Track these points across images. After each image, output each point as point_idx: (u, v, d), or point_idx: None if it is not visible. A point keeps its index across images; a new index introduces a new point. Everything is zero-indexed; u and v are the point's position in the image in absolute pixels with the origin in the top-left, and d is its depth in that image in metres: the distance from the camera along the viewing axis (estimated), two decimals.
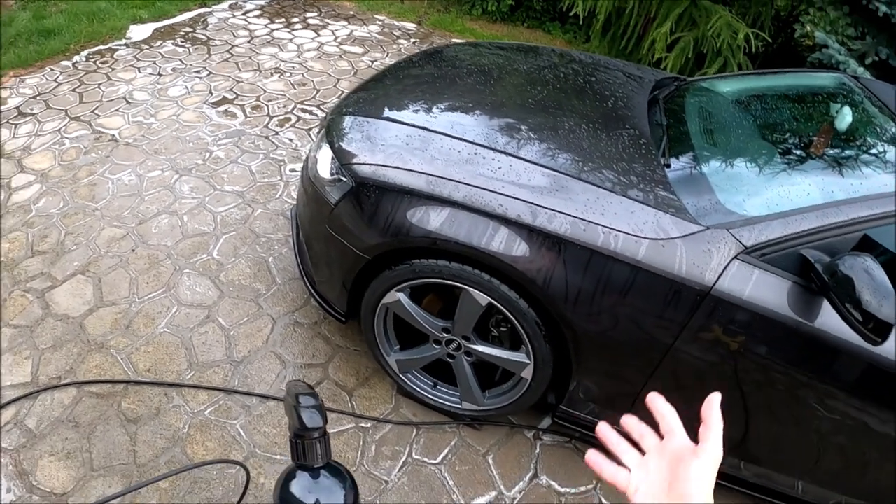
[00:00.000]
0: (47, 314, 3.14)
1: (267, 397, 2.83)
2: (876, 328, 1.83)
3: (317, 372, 2.98)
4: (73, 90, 5.16)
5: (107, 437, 2.64)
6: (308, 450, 1.19)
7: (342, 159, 2.52)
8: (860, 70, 4.82)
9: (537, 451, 2.81)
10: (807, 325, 2.04)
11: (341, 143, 2.58)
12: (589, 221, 2.14)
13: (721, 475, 2.56)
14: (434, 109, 2.72)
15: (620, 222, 2.14)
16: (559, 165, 2.35)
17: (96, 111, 4.86)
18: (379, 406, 2.87)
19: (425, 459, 2.70)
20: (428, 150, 2.42)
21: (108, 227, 3.69)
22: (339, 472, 1.24)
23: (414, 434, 2.79)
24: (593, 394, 2.50)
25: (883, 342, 1.87)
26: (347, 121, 2.69)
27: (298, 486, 1.21)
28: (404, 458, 2.70)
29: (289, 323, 3.19)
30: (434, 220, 2.26)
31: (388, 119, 2.65)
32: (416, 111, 2.71)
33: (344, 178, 2.48)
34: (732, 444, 2.46)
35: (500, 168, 2.31)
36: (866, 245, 2.05)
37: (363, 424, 2.79)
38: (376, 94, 2.91)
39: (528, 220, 2.17)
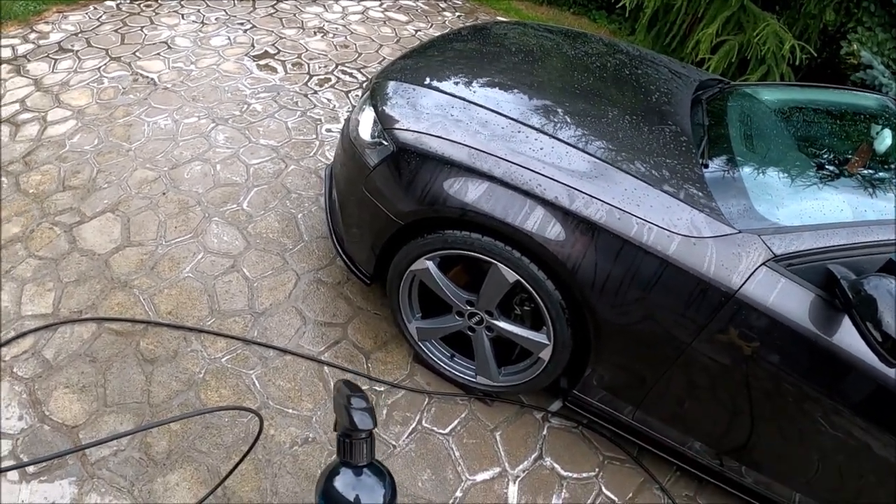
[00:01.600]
0: (73, 248, 3.17)
1: (285, 351, 2.85)
2: (893, 350, 1.85)
3: (336, 331, 3.00)
4: (116, 31, 5.16)
5: (122, 374, 2.67)
6: (355, 449, 1.24)
7: (385, 123, 2.52)
8: None
9: (544, 432, 2.83)
10: (824, 340, 2.04)
11: (385, 108, 2.58)
12: (624, 211, 2.15)
13: (721, 478, 2.58)
14: (478, 84, 2.71)
15: (655, 215, 2.14)
16: (599, 153, 2.35)
17: (137, 53, 4.87)
18: (394, 371, 2.90)
19: (434, 429, 2.73)
20: (471, 123, 2.42)
21: (140, 168, 3.71)
22: (381, 472, 1.29)
23: (426, 402, 2.81)
24: (607, 382, 2.52)
25: None
26: (392, 86, 2.69)
27: (342, 482, 1.26)
28: (414, 424, 2.72)
29: (312, 280, 3.20)
30: (472, 192, 2.27)
31: (432, 88, 2.65)
32: (461, 84, 2.70)
33: (385, 143, 2.49)
34: (736, 448, 2.49)
35: (541, 148, 2.32)
36: (891, 269, 2.05)
37: (377, 388, 2.82)
38: (422, 63, 2.91)
39: (565, 204, 2.18)
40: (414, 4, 6.67)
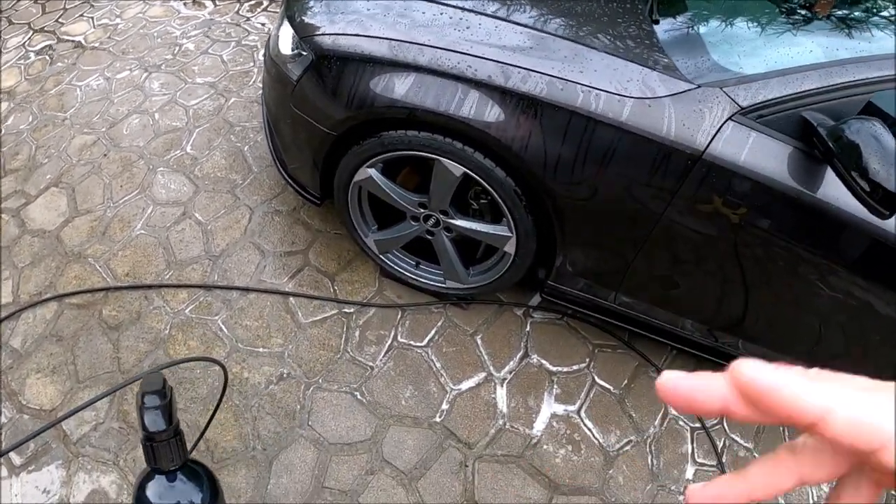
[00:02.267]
0: (24, 231, 3.05)
1: (247, 289, 2.76)
2: (884, 200, 1.70)
3: (297, 259, 2.89)
4: (35, 1, 4.92)
5: (90, 347, 2.60)
6: (159, 452, 1.13)
7: (301, 33, 2.36)
8: None
9: (527, 329, 2.74)
10: (807, 195, 1.91)
11: (302, 17, 2.42)
12: (567, 80, 1.98)
13: (718, 353, 2.46)
14: None
15: (602, 80, 1.98)
16: (533, 22, 2.18)
17: (60, 20, 4.63)
18: (362, 290, 2.80)
19: (411, 342, 2.65)
20: (390, 14, 2.25)
21: (78, 135, 3.55)
22: (196, 474, 1.20)
23: (399, 316, 2.72)
24: (581, 267, 2.40)
25: (892, 215, 1.74)
26: None
27: (153, 491, 1.16)
28: (389, 342, 2.64)
29: (267, 211, 3.08)
30: (399, 87, 2.12)
31: None
32: None
33: (304, 53, 2.34)
34: (729, 323, 2.40)
35: (468, 28, 2.15)
36: (871, 111, 1.89)
37: (346, 310, 2.72)
38: None
39: (500, 82, 2.02)
40: None
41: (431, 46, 2.10)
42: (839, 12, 2.40)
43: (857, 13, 2.39)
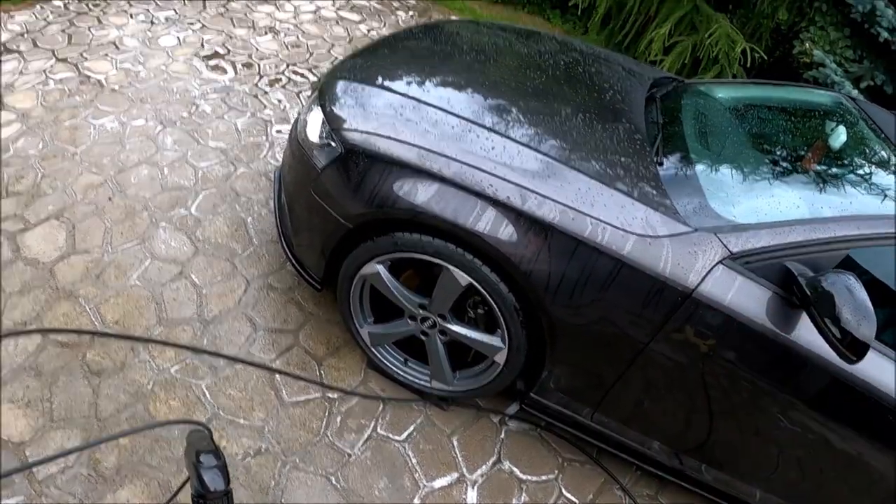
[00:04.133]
0: (17, 257, 3.06)
1: (235, 359, 2.79)
2: (852, 346, 1.85)
3: (287, 338, 2.94)
4: (63, 31, 5.00)
5: (69, 388, 2.59)
6: None
7: (333, 124, 2.47)
8: (854, 93, 4.85)
9: (502, 436, 2.81)
10: (783, 337, 2.06)
11: (333, 108, 2.53)
12: (578, 211, 2.13)
13: (682, 476, 2.60)
14: (429, 83, 2.68)
15: (609, 215, 2.13)
16: (553, 152, 2.32)
17: (84, 54, 4.72)
18: (347, 378, 2.85)
19: (390, 435, 2.69)
20: (421, 122, 2.38)
21: (86, 172, 3.60)
22: None
23: (380, 409, 2.77)
24: (564, 384, 2.50)
25: (858, 361, 1.89)
26: (341, 85, 2.63)
27: None
28: (369, 432, 2.68)
29: (262, 286, 3.14)
30: (422, 194, 2.23)
31: (382, 87, 2.60)
32: (411, 83, 2.66)
33: (333, 144, 2.44)
34: (695, 446, 2.49)
35: (493, 148, 2.28)
36: (849, 265, 2.07)
37: (330, 395, 2.77)
38: (372, 61, 2.85)
39: (518, 204, 2.15)
40: (367, 3, 6.58)
41: (458, 161, 2.23)
42: (822, 168, 2.62)
43: (838, 171, 2.60)
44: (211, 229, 3.38)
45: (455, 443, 2.73)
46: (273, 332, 2.95)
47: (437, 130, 2.35)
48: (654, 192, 2.25)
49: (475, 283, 2.31)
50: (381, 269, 2.46)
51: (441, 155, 2.25)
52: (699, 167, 2.49)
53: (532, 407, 2.66)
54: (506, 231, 2.16)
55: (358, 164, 2.35)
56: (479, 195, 2.18)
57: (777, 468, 2.42)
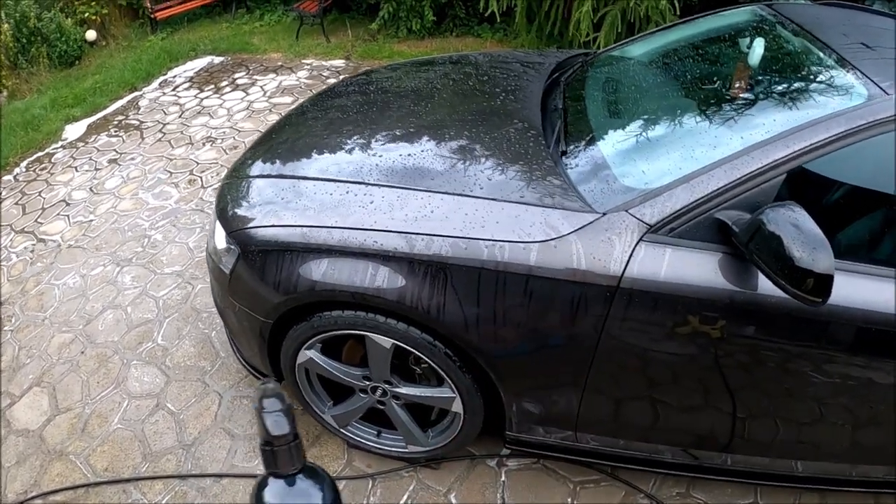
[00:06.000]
0: (9, 432, 3.15)
1: (220, 476, 2.81)
2: (815, 286, 1.64)
3: None
4: (16, 203, 5.18)
5: None
6: (279, 458, 1.12)
7: (227, 228, 2.47)
8: None
9: (503, 478, 2.73)
10: (745, 294, 1.85)
11: (225, 212, 2.54)
12: (469, 238, 2.01)
13: (705, 470, 2.38)
14: (312, 154, 2.66)
15: (504, 231, 2.00)
16: (435, 185, 2.24)
17: (39, 220, 4.88)
18: (331, 463, 2.84)
19: None
20: (300, 199, 2.37)
21: (57, 333, 3.71)
22: (317, 474, 1.17)
23: (370, 486, 2.73)
24: (535, 414, 2.35)
25: (824, 302, 1.68)
26: (229, 186, 2.67)
27: (271, 494, 1.14)
28: None
29: (235, 396, 3.17)
30: (315, 271, 2.18)
31: (260, 176, 2.61)
32: (290, 161, 2.67)
33: (233, 247, 2.43)
34: (702, 437, 2.35)
35: (371, 202, 2.23)
36: (793, 189, 1.87)
37: None
38: (257, 152, 2.87)
39: (406, 251, 2.06)
40: (297, 83, 6.70)
41: (339, 227, 2.16)
42: (748, 94, 2.36)
43: (765, 89, 2.35)
44: (179, 354, 3.44)
45: (453, 500, 2.67)
46: (252, 438, 2.96)
47: (317, 203, 2.32)
48: (554, 186, 2.12)
49: (399, 343, 2.24)
50: (312, 354, 2.44)
51: (322, 227, 2.20)
52: (602, 142, 2.34)
53: (516, 445, 2.52)
54: (403, 282, 2.08)
55: (255, 259, 2.33)
56: (367, 255, 2.11)
57: (777, 433, 2.22)
